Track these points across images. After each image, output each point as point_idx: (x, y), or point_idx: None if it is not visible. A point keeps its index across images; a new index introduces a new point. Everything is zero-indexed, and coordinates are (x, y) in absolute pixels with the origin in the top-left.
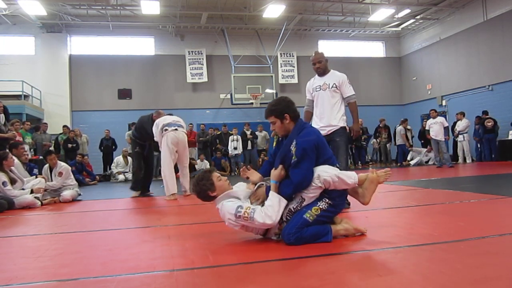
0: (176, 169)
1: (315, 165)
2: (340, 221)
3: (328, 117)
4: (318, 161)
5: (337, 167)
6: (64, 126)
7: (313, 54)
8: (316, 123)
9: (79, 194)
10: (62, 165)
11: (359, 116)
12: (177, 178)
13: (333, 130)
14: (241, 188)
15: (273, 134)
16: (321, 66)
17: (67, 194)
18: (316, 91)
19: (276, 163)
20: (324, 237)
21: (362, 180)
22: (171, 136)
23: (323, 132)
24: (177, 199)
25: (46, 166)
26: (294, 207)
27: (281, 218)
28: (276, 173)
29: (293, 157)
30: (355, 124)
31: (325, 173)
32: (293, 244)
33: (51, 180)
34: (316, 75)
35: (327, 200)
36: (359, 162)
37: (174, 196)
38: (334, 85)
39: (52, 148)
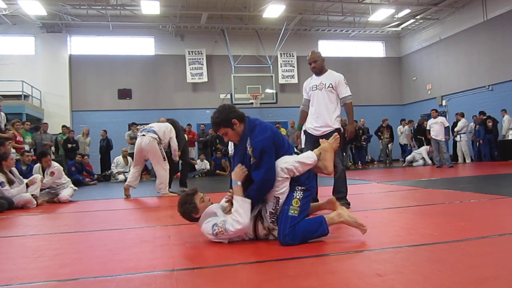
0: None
1: (275, 159)
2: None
3: (323, 117)
4: (277, 155)
5: (296, 153)
6: (63, 126)
7: (309, 54)
8: (311, 122)
9: (75, 190)
10: (55, 166)
11: (358, 116)
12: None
13: (328, 132)
14: (221, 202)
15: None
16: (317, 65)
17: (65, 194)
18: (312, 90)
19: (234, 166)
20: (320, 229)
21: (318, 154)
22: (136, 143)
23: (317, 133)
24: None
25: (38, 165)
26: (273, 208)
27: (263, 219)
28: (235, 173)
29: (251, 159)
30: (350, 125)
31: (285, 163)
32: (291, 245)
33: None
34: (314, 75)
35: (300, 188)
36: (359, 162)
37: (126, 192)
38: (331, 85)
39: (53, 148)
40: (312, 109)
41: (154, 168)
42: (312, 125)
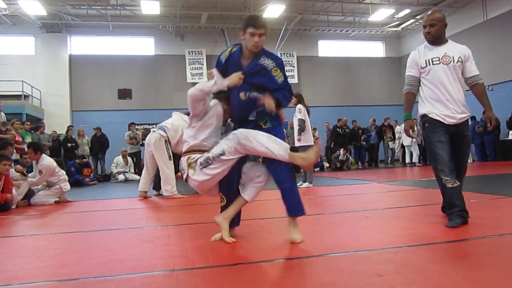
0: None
1: None
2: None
3: (458, 101)
4: None
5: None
6: (71, 126)
7: (427, 14)
8: (434, 107)
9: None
10: (43, 164)
11: (357, 115)
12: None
13: (464, 120)
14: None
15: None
16: (433, 31)
17: (65, 187)
18: (433, 64)
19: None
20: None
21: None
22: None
23: (452, 121)
24: (146, 198)
25: (34, 161)
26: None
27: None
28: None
29: (274, 72)
30: (491, 111)
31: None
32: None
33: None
34: (425, 44)
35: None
36: (359, 162)
37: (141, 194)
38: (460, 59)
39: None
40: (434, 89)
41: (158, 166)
42: (438, 111)
